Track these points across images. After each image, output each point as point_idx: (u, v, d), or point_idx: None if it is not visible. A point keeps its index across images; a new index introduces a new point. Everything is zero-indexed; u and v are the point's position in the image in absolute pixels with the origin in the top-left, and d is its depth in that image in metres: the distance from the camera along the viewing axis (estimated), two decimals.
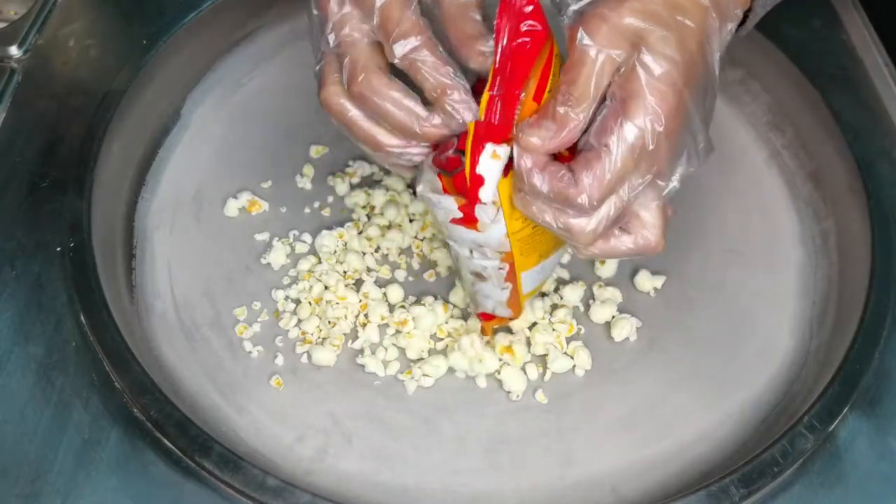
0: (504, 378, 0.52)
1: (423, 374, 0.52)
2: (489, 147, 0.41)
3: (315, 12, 0.45)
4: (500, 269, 0.47)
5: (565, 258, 0.58)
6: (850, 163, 0.58)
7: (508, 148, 0.42)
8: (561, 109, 0.40)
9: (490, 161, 0.42)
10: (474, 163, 0.41)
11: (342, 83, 0.44)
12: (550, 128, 0.40)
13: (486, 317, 0.52)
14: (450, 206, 0.43)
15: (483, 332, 0.53)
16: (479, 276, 0.48)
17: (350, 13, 0.44)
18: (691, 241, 0.59)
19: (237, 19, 0.67)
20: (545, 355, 0.53)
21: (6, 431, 0.47)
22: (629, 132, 0.39)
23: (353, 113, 0.44)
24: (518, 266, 0.47)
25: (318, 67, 0.45)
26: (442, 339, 0.54)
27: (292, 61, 0.67)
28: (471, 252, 0.46)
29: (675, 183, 0.43)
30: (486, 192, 0.42)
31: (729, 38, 0.43)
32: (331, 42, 0.44)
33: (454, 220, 0.44)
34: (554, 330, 0.54)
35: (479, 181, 0.42)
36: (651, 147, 0.40)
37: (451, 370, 0.53)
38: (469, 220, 0.44)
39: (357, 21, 0.43)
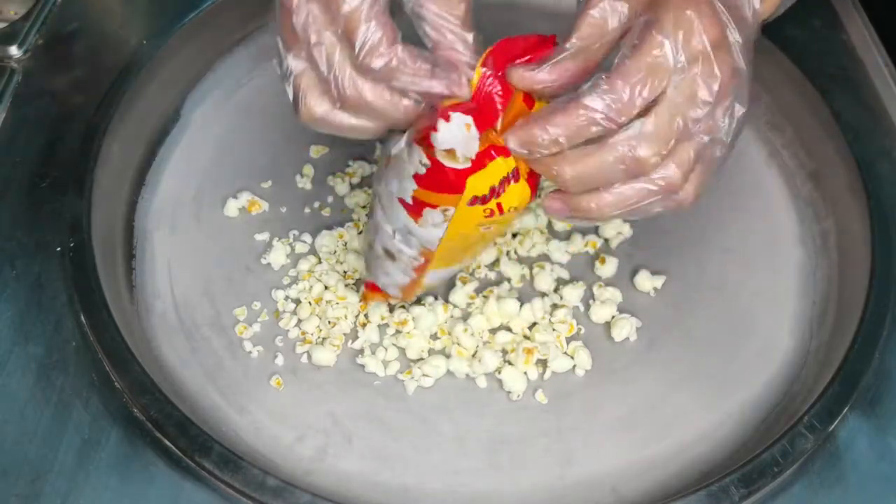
0: (504, 378, 0.52)
1: (423, 374, 0.52)
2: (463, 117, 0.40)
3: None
4: (415, 260, 0.47)
5: (565, 258, 0.58)
6: (850, 163, 0.58)
7: (477, 136, 0.40)
8: (560, 48, 0.38)
9: (460, 124, 0.40)
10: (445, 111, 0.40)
11: (321, 95, 0.41)
12: (543, 63, 0.38)
13: (372, 287, 0.52)
14: (407, 185, 0.43)
15: (362, 298, 0.54)
16: (390, 255, 0.48)
17: (316, 15, 0.40)
18: (691, 242, 0.59)
19: (237, 19, 0.67)
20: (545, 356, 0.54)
21: (6, 431, 0.47)
22: (665, 22, 0.37)
23: (341, 118, 0.42)
24: (433, 264, 0.47)
25: (289, 76, 0.42)
26: (441, 339, 0.54)
27: None
28: (394, 233, 0.46)
29: (725, 131, 0.40)
30: (443, 137, 0.40)
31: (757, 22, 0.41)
32: (301, 41, 0.41)
33: (401, 201, 0.43)
34: (554, 330, 0.54)
35: (446, 116, 0.40)
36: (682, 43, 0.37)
37: (451, 370, 0.53)
38: (415, 211, 0.43)
39: (323, 24, 0.40)
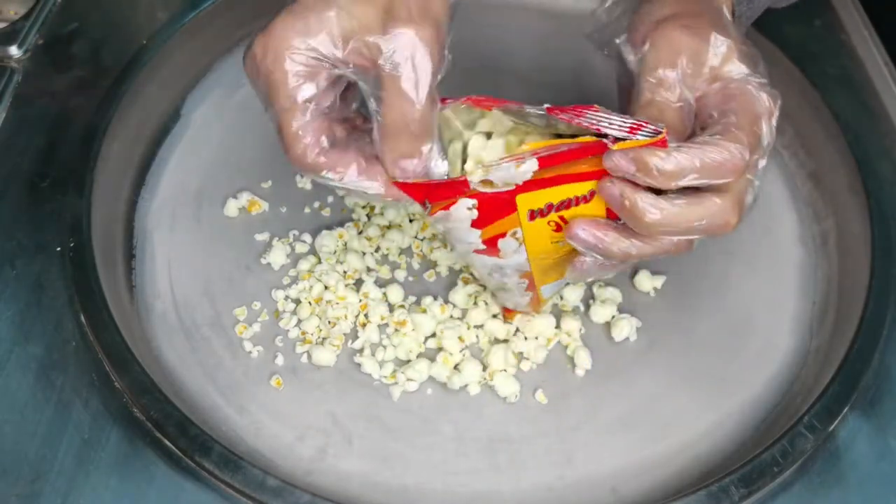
0: (496, 385, 0.52)
1: (408, 379, 0.52)
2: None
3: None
4: (520, 283, 0.48)
5: None
6: (850, 163, 0.58)
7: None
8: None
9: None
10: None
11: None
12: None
13: (508, 311, 0.54)
14: (473, 238, 0.44)
15: (504, 317, 0.54)
16: (502, 287, 0.49)
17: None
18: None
19: (237, 19, 0.67)
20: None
21: (6, 431, 0.47)
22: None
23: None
24: (538, 282, 0.48)
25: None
26: (433, 338, 0.54)
27: None
28: (490, 273, 0.47)
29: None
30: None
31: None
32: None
33: (477, 251, 0.45)
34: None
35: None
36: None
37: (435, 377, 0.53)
38: (492, 250, 0.45)
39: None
